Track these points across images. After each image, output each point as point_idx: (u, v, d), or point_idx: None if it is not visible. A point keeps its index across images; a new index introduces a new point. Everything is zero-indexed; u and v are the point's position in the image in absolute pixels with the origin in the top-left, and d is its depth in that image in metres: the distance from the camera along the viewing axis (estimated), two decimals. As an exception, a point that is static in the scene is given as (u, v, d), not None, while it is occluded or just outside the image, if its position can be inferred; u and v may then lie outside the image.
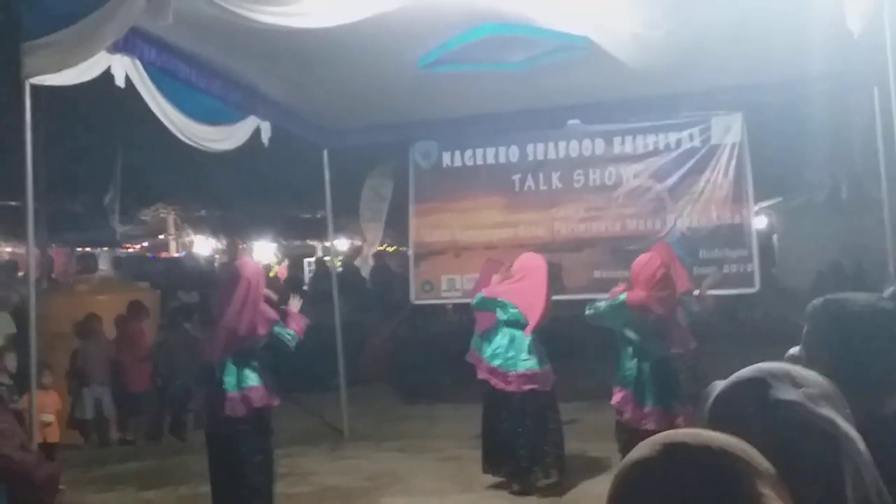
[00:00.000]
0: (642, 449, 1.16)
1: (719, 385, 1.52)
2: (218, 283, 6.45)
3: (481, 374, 7.37)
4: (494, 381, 7.21)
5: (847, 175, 13.32)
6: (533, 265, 7.45)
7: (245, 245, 24.24)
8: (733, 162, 9.14)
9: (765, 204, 17.92)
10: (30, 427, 6.29)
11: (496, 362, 7.19)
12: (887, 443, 1.58)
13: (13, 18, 5.73)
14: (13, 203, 16.20)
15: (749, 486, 1.10)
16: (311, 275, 19.32)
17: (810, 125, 10.36)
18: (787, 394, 1.41)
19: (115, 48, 5.82)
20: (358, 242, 20.23)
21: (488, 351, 7.28)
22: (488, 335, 7.42)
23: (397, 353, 13.78)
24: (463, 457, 8.55)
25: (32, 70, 5.50)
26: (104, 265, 11.67)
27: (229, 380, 6.05)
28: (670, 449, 1.14)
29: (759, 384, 1.44)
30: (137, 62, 6.13)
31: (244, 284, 6.07)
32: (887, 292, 2.89)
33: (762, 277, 9.57)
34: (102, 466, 8.95)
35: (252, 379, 6.09)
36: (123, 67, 6.01)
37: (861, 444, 1.38)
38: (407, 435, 9.84)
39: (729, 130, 9.17)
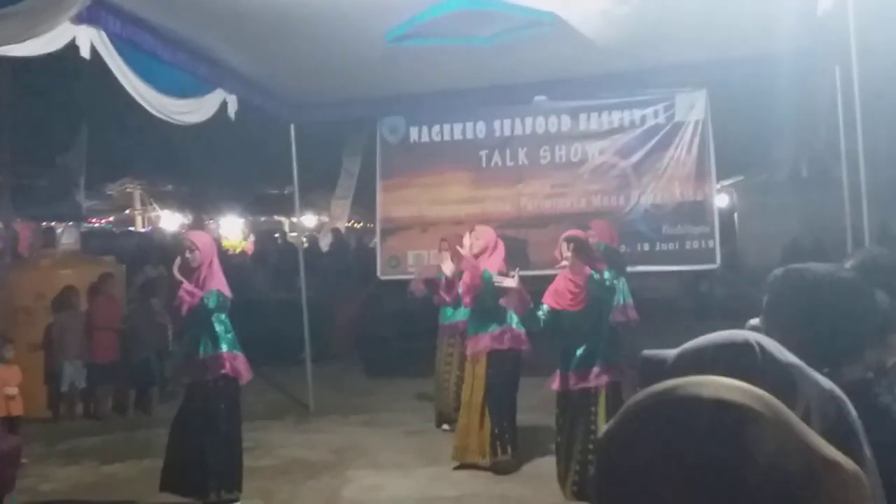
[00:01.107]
0: (643, 399, 1.06)
1: (669, 352, 1.37)
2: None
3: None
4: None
5: (808, 153, 13.46)
6: (496, 237, 7.52)
7: (212, 220, 24.15)
8: (696, 139, 9.24)
9: (727, 182, 18.11)
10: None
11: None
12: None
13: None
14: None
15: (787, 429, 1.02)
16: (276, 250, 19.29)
17: (773, 103, 10.45)
18: (789, 356, 1.33)
19: (80, 19, 5.77)
20: (325, 218, 20.23)
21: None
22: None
23: (362, 328, 13.85)
24: (428, 431, 8.63)
25: (-3, 40, 5.45)
26: (70, 239, 11.54)
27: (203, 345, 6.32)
28: (671, 396, 1.04)
29: (752, 347, 1.33)
30: (103, 33, 6.09)
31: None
32: (847, 263, 2.92)
33: (723, 254, 9.70)
34: (67, 440, 8.92)
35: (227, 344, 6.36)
36: (89, 38, 5.96)
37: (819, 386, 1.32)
38: (372, 409, 9.90)
39: (693, 107, 9.26)
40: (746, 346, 1.32)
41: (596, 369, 6.22)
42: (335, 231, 17.25)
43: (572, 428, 6.26)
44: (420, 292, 8.98)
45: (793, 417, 1.04)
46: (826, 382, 1.31)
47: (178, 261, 6.36)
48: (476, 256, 7.26)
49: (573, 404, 6.28)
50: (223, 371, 6.28)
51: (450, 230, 9.28)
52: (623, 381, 6.34)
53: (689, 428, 1.00)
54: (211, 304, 6.23)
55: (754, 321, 2.27)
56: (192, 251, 6.34)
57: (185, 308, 6.22)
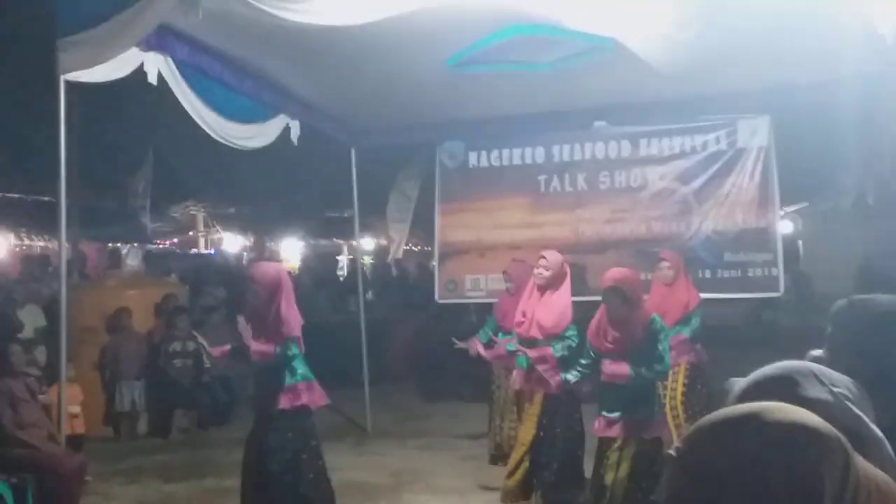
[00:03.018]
0: (734, 412, 1.10)
1: (739, 382, 1.49)
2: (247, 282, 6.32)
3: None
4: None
5: (874, 181, 13.21)
6: (563, 263, 7.02)
7: (272, 243, 24.40)
8: (759, 166, 9.10)
9: (791, 208, 17.83)
10: (58, 419, 6.39)
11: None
12: None
13: (49, 15, 5.83)
14: (46, 198, 16.46)
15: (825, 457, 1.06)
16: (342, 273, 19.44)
17: (839, 129, 10.27)
18: (815, 392, 1.39)
19: (148, 46, 5.93)
20: (384, 242, 20.30)
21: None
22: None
23: (421, 352, 13.85)
24: (485, 456, 8.59)
25: (67, 66, 5.61)
26: (134, 261, 11.76)
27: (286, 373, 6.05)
28: (766, 417, 1.08)
29: (786, 381, 1.42)
30: (170, 60, 6.24)
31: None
32: None
33: (787, 282, 9.53)
34: (128, 459, 9.05)
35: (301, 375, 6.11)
36: (156, 65, 6.12)
37: (887, 446, 1.38)
38: (429, 433, 9.90)
39: (755, 134, 9.13)
40: (782, 380, 1.40)
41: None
42: (396, 259, 17.36)
43: None
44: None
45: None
46: (858, 423, 1.34)
47: (241, 318, 5.94)
48: (543, 290, 6.86)
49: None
50: (300, 402, 6.03)
51: (508, 255, 9.25)
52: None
53: (762, 447, 1.04)
54: (288, 353, 5.99)
55: (816, 352, 2.24)
56: (252, 285, 6.04)
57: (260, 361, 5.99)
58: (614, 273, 6.05)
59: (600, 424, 5.98)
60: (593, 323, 6.09)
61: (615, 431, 5.88)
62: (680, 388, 7.99)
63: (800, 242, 20.30)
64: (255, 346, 5.84)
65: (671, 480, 1.11)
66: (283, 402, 5.96)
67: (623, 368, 5.81)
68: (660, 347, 5.88)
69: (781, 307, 14.34)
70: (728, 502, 1.03)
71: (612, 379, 5.87)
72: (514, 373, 7.15)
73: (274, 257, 21.55)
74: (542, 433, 6.74)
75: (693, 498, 1.07)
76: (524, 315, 6.89)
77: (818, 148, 12.60)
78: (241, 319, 5.89)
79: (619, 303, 5.84)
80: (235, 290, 13.02)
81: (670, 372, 7.40)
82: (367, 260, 19.34)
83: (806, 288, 14.82)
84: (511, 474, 6.96)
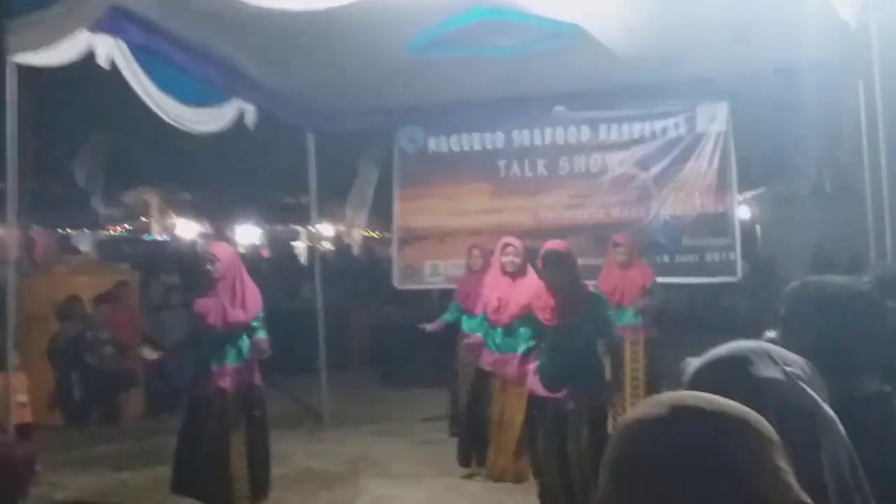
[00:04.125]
0: (652, 408, 1.12)
1: (694, 361, 1.52)
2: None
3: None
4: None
5: (831, 167, 13.36)
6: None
7: (228, 229, 24.18)
8: (718, 151, 9.13)
9: (749, 194, 17.97)
10: (6, 408, 6.27)
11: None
12: (863, 424, 1.60)
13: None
14: (-6, 183, 16.08)
15: (765, 456, 1.08)
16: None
17: (796, 116, 10.34)
18: (768, 371, 1.43)
19: (100, 27, 5.78)
20: (342, 227, 20.20)
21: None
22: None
23: (377, 338, 13.81)
24: (442, 441, 8.55)
25: (16, 47, 5.49)
26: (86, 247, 11.59)
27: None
28: (682, 411, 1.10)
29: (740, 361, 1.46)
30: (121, 42, 6.09)
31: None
32: (865, 276, 2.92)
33: (744, 266, 9.60)
34: (79, 447, 8.91)
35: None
36: (107, 47, 5.97)
37: (839, 425, 1.41)
38: (386, 419, 9.86)
39: (714, 119, 9.16)
40: (735, 359, 1.45)
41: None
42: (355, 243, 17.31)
43: None
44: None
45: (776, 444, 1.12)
46: (810, 402, 1.39)
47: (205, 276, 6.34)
48: (514, 276, 6.98)
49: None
50: (255, 380, 6.39)
51: (467, 240, 9.21)
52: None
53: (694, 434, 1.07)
54: (258, 327, 6.37)
55: (771, 333, 2.27)
56: (212, 263, 6.31)
57: (226, 325, 6.24)
58: (549, 243, 6.11)
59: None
60: (535, 295, 6.12)
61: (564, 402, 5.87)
62: (642, 362, 8.14)
63: (757, 227, 20.50)
64: (233, 314, 6.19)
65: (600, 486, 1.13)
66: (243, 378, 6.35)
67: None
68: (607, 313, 5.97)
69: (739, 291, 14.46)
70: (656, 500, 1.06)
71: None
72: (483, 353, 7.20)
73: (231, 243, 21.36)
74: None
75: (619, 500, 1.09)
76: (499, 300, 6.93)
77: (777, 134, 12.72)
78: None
79: (556, 267, 5.87)
80: (191, 274, 12.88)
81: (629, 349, 7.62)
82: (326, 245, 19.20)
83: (764, 273, 14.95)
84: (500, 452, 7.06)
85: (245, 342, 6.38)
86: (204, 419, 6.34)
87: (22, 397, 7.97)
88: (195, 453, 6.32)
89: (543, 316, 5.98)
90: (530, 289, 6.51)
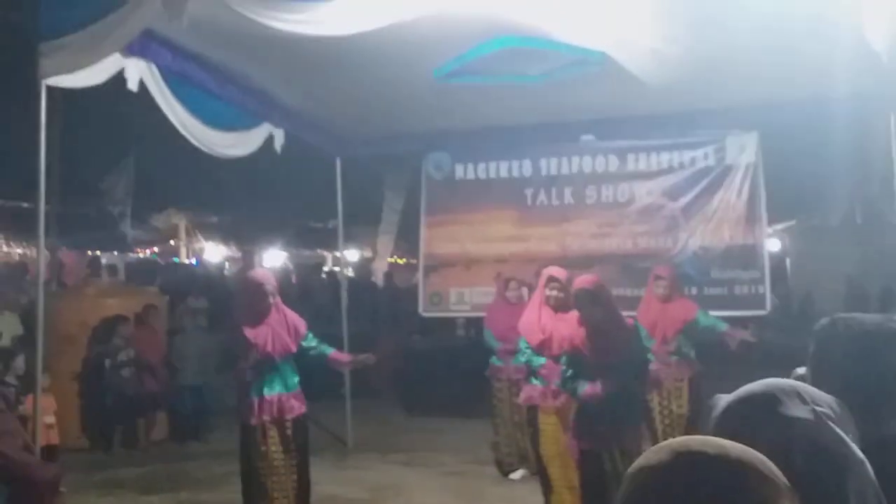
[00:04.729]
0: (655, 454, 1.13)
1: (724, 398, 1.51)
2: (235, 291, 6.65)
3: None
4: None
5: (862, 198, 13.25)
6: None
7: (256, 253, 24.28)
8: (747, 182, 9.07)
9: (779, 226, 17.86)
10: (34, 429, 6.28)
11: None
12: (892, 464, 1.57)
13: (31, 19, 5.74)
14: (25, 205, 16.28)
15: (767, 500, 1.07)
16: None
17: (827, 148, 10.29)
18: (798, 410, 1.41)
19: (131, 51, 5.83)
20: (368, 253, 20.24)
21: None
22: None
23: (404, 366, 13.73)
24: (467, 472, 8.50)
25: (49, 70, 5.51)
26: (115, 269, 11.68)
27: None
28: (686, 456, 1.11)
29: (769, 399, 1.44)
30: (153, 66, 6.14)
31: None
32: None
33: (774, 300, 9.51)
34: (105, 470, 8.91)
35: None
36: (138, 71, 6.02)
37: (868, 467, 1.38)
38: (411, 448, 9.78)
39: (744, 150, 9.10)
40: (765, 398, 1.43)
41: None
42: (384, 270, 17.30)
43: None
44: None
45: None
46: (838, 443, 1.36)
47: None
48: (557, 310, 6.65)
49: None
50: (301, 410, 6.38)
51: (493, 268, 9.19)
52: None
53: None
54: (314, 346, 6.53)
55: (801, 370, 2.25)
56: (270, 292, 6.37)
57: (283, 353, 6.29)
58: (580, 279, 5.99)
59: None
60: (573, 333, 5.97)
61: (595, 444, 5.75)
62: (685, 405, 7.89)
63: (787, 260, 20.33)
64: (286, 342, 6.28)
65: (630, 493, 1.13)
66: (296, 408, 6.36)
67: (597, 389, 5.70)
68: (643, 357, 5.84)
69: (768, 325, 14.32)
70: None
71: (589, 400, 5.77)
72: (525, 387, 6.95)
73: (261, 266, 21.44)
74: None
75: None
76: (544, 332, 6.72)
77: (807, 165, 12.62)
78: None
79: (589, 305, 5.75)
80: (219, 299, 12.91)
81: (673, 388, 7.49)
82: (352, 271, 19.21)
83: (795, 306, 14.85)
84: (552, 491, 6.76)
85: (290, 370, 6.39)
86: (252, 447, 6.31)
87: (49, 419, 8.01)
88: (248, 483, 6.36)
89: (585, 351, 5.85)
90: (573, 323, 6.23)
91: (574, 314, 6.20)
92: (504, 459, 8.40)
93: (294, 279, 20.17)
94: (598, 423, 5.76)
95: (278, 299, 6.44)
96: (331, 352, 6.66)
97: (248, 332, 6.22)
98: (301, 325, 6.47)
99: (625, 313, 6.25)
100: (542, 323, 6.75)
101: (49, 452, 7.90)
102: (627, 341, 5.79)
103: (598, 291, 5.83)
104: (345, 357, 7.02)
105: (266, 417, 6.23)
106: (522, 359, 7.69)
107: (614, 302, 6.05)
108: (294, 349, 6.34)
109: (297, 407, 6.36)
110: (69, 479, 7.55)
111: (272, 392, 6.26)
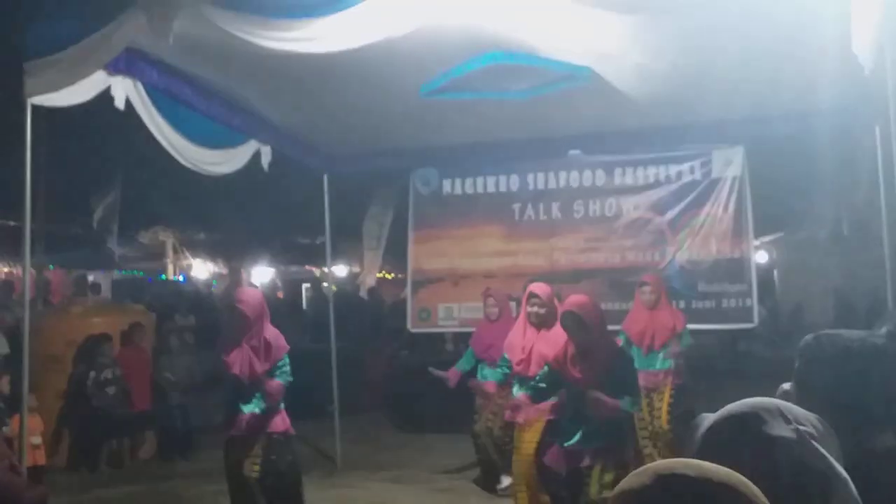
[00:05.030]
0: (638, 477, 1.14)
1: (708, 417, 1.53)
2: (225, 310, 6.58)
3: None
4: None
5: (849, 211, 13.31)
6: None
7: (244, 270, 24.22)
8: (734, 196, 9.12)
9: (766, 239, 17.92)
10: (20, 450, 6.23)
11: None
12: (876, 479, 1.62)
13: (15, 37, 5.72)
14: (11, 223, 16.19)
15: None
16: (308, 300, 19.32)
17: (813, 160, 10.33)
18: (781, 430, 1.43)
19: (116, 69, 5.81)
20: (356, 269, 20.20)
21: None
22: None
23: (393, 382, 13.69)
24: (456, 488, 8.46)
25: (34, 89, 5.48)
26: (101, 287, 11.64)
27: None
28: (668, 479, 1.12)
29: (753, 419, 1.46)
30: (139, 84, 6.12)
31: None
32: (882, 330, 2.91)
33: (762, 312, 9.53)
34: (91, 491, 8.84)
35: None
36: (124, 89, 5.99)
37: (850, 485, 1.40)
38: (401, 465, 9.74)
39: (730, 164, 9.15)
40: (748, 417, 1.45)
41: None
42: (370, 287, 17.27)
43: None
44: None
45: None
46: (821, 461, 1.38)
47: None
48: (538, 327, 6.68)
49: None
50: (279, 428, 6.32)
51: (482, 283, 9.19)
52: None
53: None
54: (278, 373, 6.29)
55: (787, 386, 2.29)
56: (242, 314, 6.21)
57: (251, 376, 6.19)
58: (571, 299, 5.85)
59: (563, 455, 5.80)
60: (559, 350, 5.87)
61: (585, 461, 5.67)
62: (665, 409, 7.92)
63: (775, 272, 20.40)
64: (272, 385, 6.18)
65: None
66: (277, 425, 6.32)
67: (615, 403, 5.64)
68: (630, 378, 5.76)
69: (756, 338, 14.35)
70: None
71: (603, 413, 5.70)
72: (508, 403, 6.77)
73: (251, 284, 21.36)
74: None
75: None
76: (523, 351, 6.71)
77: (794, 178, 12.67)
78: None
79: (575, 328, 5.65)
80: (206, 317, 12.86)
81: (655, 395, 7.62)
82: (340, 287, 19.18)
83: (782, 318, 14.89)
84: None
85: (263, 392, 6.27)
86: (233, 464, 6.32)
87: (35, 439, 7.95)
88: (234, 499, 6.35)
89: (565, 372, 5.75)
90: (556, 341, 6.17)
91: (557, 330, 6.18)
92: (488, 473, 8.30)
93: (280, 295, 20.17)
94: (585, 443, 5.70)
95: (262, 320, 6.30)
96: (268, 381, 6.29)
97: (225, 352, 6.22)
98: (279, 347, 6.31)
99: (612, 327, 6.25)
100: (524, 341, 6.73)
101: (35, 473, 7.85)
102: (612, 364, 5.67)
103: (585, 315, 5.65)
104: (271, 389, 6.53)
105: (240, 433, 6.24)
106: (465, 366, 7.74)
107: (604, 323, 5.93)
108: (260, 372, 6.16)
109: (277, 424, 6.32)
110: (55, 500, 7.53)
111: (248, 410, 6.26)
